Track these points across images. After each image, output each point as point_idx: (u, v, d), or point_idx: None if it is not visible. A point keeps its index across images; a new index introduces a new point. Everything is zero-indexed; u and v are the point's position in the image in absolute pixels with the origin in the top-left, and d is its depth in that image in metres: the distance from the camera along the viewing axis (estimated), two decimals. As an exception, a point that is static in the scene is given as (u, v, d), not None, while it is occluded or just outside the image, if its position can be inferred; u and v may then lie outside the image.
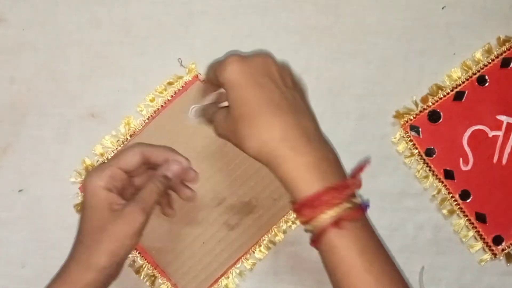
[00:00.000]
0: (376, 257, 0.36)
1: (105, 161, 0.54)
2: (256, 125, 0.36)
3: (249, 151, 0.36)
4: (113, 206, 0.39)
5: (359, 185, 0.37)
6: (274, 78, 0.37)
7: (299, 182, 0.35)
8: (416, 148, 0.55)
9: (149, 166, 0.43)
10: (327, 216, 0.35)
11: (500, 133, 0.55)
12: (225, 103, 0.39)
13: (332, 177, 0.36)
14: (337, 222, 0.35)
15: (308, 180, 0.35)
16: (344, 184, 0.36)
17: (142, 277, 0.54)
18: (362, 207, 0.37)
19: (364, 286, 0.35)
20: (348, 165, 0.55)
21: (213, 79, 0.39)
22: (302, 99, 0.38)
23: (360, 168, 0.38)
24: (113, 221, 0.38)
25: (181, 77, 0.54)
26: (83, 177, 0.54)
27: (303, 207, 0.35)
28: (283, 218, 0.55)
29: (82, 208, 0.40)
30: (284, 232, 0.55)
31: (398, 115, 0.55)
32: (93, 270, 0.38)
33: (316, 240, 0.36)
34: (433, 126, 0.55)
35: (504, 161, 0.55)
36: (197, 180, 0.43)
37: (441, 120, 0.55)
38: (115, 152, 0.54)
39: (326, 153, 0.37)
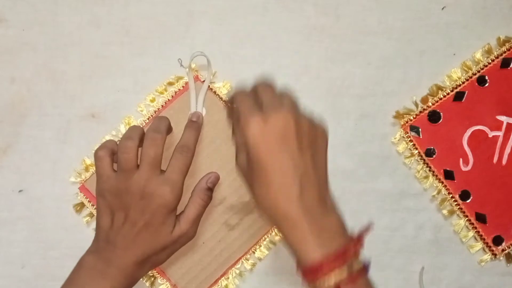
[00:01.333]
0: None
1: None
2: (268, 190, 0.38)
3: (259, 208, 0.39)
4: None
5: (362, 246, 0.38)
6: (291, 145, 0.38)
7: (305, 248, 0.37)
8: (416, 149, 0.55)
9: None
10: (330, 280, 0.36)
11: (500, 134, 0.55)
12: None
13: (336, 243, 0.37)
14: (338, 286, 0.36)
15: (314, 247, 0.37)
16: (348, 248, 0.37)
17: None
18: (364, 268, 0.38)
19: None
20: (348, 165, 0.55)
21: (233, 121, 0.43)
22: (313, 160, 0.39)
23: (365, 230, 0.39)
24: (170, 241, 0.46)
25: (181, 77, 0.54)
26: (83, 177, 0.54)
27: (307, 272, 0.37)
28: (283, 218, 0.55)
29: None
30: (284, 232, 0.55)
31: (398, 116, 0.55)
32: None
33: None
34: (433, 127, 0.55)
35: (504, 162, 0.55)
36: None
37: (441, 121, 0.55)
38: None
39: (332, 219, 0.39)
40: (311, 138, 0.39)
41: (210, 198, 0.49)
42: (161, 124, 0.47)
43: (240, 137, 0.40)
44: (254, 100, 0.40)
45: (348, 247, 0.37)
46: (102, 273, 0.44)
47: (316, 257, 0.37)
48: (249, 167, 0.39)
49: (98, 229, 0.46)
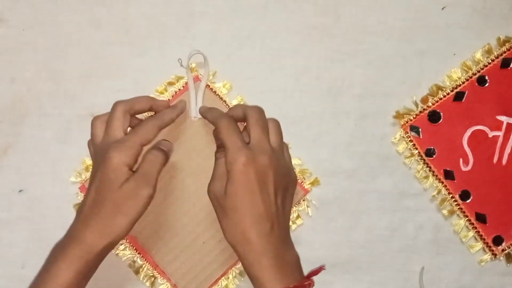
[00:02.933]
0: None
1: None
2: (240, 223, 0.41)
3: (227, 238, 0.42)
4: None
5: (312, 285, 0.42)
6: (269, 187, 0.41)
7: (267, 280, 0.40)
8: (416, 149, 0.55)
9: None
10: None
11: (500, 134, 0.55)
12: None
13: (294, 277, 0.41)
14: None
15: (275, 280, 0.40)
16: (303, 284, 0.41)
17: (141, 277, 0.54)
18: None
19: None
20: (348, 165, 0.55)
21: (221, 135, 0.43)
22: (283, 203, 0.42)
23: (316, 271, 0.43)
24: (125, 198, 0.41)
25: (181, 77, 0.54)
26: (83, 177, 0.54)
27: None
28: (283, 218, 0.55)
29: (94, 179, 0.42)
30: (284, 232, 0.55)
31: (398, 116, 0.55)
32: (111, 237, 0.41)
33: None
34: (433, 127, 0.55)
35: (504, 161, 0.55)
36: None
37: (441, 121, 0.55)
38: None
39: (292, 256, 0.42)
40: (284, 184, 0.42)
41: (162, 157, 0.44)
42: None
43: (222, 167, 0.42)
44: (241, 135, 0.42)
45: (303, 283, 0.41)
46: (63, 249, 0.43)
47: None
48: (225, 198, 0.42)
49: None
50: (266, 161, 0.41)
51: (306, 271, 0.55)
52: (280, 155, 0.43)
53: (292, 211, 0.54)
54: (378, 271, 0.55)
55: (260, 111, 0.44)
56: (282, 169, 0.42)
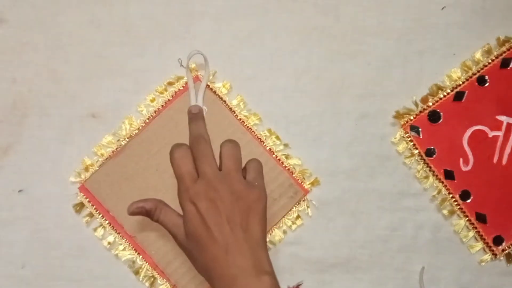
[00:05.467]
0: None
1: (104, 161, 0.54)
2: (205, 257, 0.42)
3: (196, 268, 0.44)
4: None
5: None
6: (222, 219, 0.42)
7: None
8: (416, 148, 0.55)
9: None
10: None
11: (500, 133, 0.55)
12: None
13: None
14: None
15: None
16: None
17: (141, 277, 0.54)
18: None
19: None
20: (348, 165, 0.55)
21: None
22: (244, 228, 0.43)
23: None
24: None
25: (181, 77, 0.54)
26: (83, 177, 0.54)
27: None
28: (283, 218, 0.55)
29: None
30: (284, 232, 0.55)
31: (398, 115, 0.55)
32: None
33: None
34: (433, 126, 0.55)
35: (504, 161, 0.55)
36: None
37: (441, 120, 0.55)
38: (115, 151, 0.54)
39: (264, 281, 0.41)
40: (243, 208, 0.43)
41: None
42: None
43: (179, 203, 0.44)
44: (192, 168, 0.44)
45: None
46: None
47: None
48: (187, 234, 0.43)
49: None
50: (212, 195, 0.42)
51: (305, 271, 0.55)
52: (234, 180, 0.43)
53: (291, 211, 0.54)
54: (378, 271, 0.55)
55: (203, 147, 0.45)
56: (235, 194, 0.43)
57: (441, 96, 0.55)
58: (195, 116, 0.51)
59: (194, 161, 0.44)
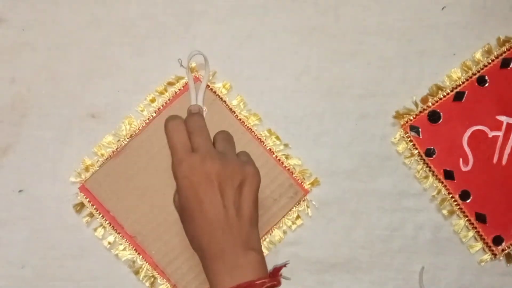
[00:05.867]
0: None
1: (105, 161, 0.54)
2: (192, 234, 0.44)
3: (187, 236, 0.45)
4: None
5: (278, 284, 0.42)
6: (214, 191, 0.42)
7: (218, 282, 0.41)
8: (416, 149, 0.55)
9: None
10: None
11: (500, 134, 0.55)
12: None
13: (250, 275, 0.41)
14: None
15: (224, 283, 0.41)
16: (252, 284, 0.40)
17: (141, 277, 0.54)
18: None
19: None
20: (348, 166, 0.55)
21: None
22: (236, 204, 0.43)
23: (279, 268, 0.44)
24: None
25: (181, 78, 0.54)
26: (83, 177, 0.54)
27: None
28: (283, 218, 0.55)
29: None
30: (284, 232, 0.55)
31: (398, 116, 0.55)
32: None
33: None
34: (433, 127, 0.55)
35: (504, 162, 0.55)
36: None
37: (441, 121, 0.55)
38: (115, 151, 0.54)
39: (250, 258, 0.42)
40: (236, 182, 0.43)
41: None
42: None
43: (173, 174, 0.44)
44: (186, 139, 0.44)
45: (252, 283, 0.40)
46: None
47: (231, 285, 0.40)
48: (179, 208, 0.44)
49: None
50: (208, 165, 0.42)
51: (306, 271, 0.55)
52: (229, 156, 0.44)
53: (291, 212, 0.54)
54: (378, 271, 0.55)
55: (198, 119, 0.46)
56: (229, 167, 0.43)
57: (441, 96, 0.55)
58: (194, 115, 0.51)
59: (188, 134, 0.45)
